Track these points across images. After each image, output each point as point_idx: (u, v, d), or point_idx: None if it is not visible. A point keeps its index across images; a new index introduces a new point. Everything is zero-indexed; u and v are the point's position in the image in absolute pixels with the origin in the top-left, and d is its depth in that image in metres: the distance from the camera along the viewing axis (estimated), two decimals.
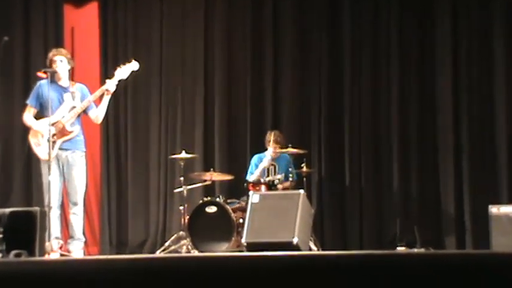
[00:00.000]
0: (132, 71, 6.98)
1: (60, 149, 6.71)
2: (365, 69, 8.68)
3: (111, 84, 6.74)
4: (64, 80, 6.84)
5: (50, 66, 6.76)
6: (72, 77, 7.18)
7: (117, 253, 8.67)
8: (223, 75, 8.98)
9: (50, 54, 6.86)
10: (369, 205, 8.50)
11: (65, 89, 6.81)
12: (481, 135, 8.31)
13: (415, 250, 7.65)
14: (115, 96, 8.79)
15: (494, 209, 7.02)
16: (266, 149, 8.18)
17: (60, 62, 6.79)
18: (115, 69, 7.00)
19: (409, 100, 8.56)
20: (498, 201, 7.53)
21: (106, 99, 6.80)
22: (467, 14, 8.42)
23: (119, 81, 6.87)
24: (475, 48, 8.39)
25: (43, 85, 6.72)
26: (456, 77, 8.39)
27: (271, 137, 8.12)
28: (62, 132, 6.70)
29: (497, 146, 8.20)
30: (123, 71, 6.88)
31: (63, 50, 7.02)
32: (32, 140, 6.78)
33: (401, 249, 7.70)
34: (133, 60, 7.00)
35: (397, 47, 8.59)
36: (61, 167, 6.73)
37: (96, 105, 6.89)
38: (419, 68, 8.56)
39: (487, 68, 8.33)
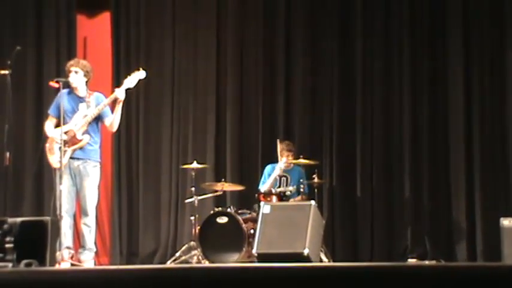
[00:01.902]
0: (140, 80, 6.99)
1: (72, 158, 6.74)
2: (377, 79, 8.68)
3: (120, 93, 6.76)
4: (81, 90, 6.89)
5: (66, 76, 6.83)
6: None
7: (128, 263, 8.66)
8: (235, 85, 8.98)
9: (68, 65, 6.94)
10: (380, 216, 8.47)
11: (81, 99, 6.87)
12: (493, 147, 8.27)
13: (426, 262, 7.62)
14: (127, 106, 8.87)
15: (505, 221, 6.99)
16: (278, 160, 8.17)
17: (75, 74, 6.84)
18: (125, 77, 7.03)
19: (421, 111, 8.54)
20: (509, 213, 7.49)
21: (118, 107, 6.83)
22: (479, 24, 8.40)
23: (127, 89, 6.89)
24: (487, 59, 8.37)
25: (63, 95, 6.78)
26: (468, 89, 8.37)
27: (283, 146, 8.12)
28: (73, 140, 6.73)
29: (509, 158, 8.16)
30: (131, 80, 6.91)
31: (82, 62, 7.06)
32: (47, 147, 6.85)
33: (412, 261, 7.68)
34: (140, 69, 7.02)
35: (409, 57, 8.58)
36: (73, 176, 6.75)
37: (112, 112, 6.91)
38: (431, 78, 8.54)
39: (499, 80, 8.31)
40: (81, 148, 6.76)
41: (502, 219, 7.02)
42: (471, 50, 8.41)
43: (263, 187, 8.06)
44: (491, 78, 8.34)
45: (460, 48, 8.41)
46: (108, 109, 6.87)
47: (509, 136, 8.19)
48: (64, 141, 6.61)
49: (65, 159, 6.64)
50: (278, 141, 8.23)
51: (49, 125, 6.90)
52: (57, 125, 6.79)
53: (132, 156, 9.11)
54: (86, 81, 6.92)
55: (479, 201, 8.18)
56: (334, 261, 7.68)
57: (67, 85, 6.83)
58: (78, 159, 6.76)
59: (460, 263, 7.86)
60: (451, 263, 7.64)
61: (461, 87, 8.38)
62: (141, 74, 6.97)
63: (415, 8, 8.62)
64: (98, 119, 6.85)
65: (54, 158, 6.75)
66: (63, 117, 6.63)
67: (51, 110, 6.94)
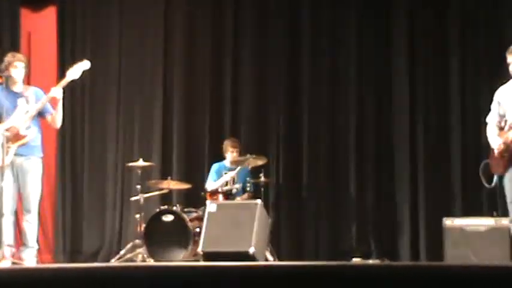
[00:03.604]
0: (84, 71, 6.85)
1: (15, 154, 6.60)
2: (323, 79, 8.73)
3: (56, 92, 6.60)
4: (18, 85, 6.73)
5: (6, 70, 6.66)
6: (27, 81, 7.07)
7: (71, 261, 8.56)
8: (182, 83, 8.95)
9: (7, 59, 6.75)
10: (325, 216, 8.54)
11: (18, 94, 6.71)
12: (436, 147, 8.39)
13: (371, 261, 7.70)
14: (71, 101, 8.75)
15: (448, 221, 7.10)
16: (224, 158, 8.17)
17: (17, 68, 6.69)
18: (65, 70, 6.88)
19: (366, 111, 8.62)
20: (452, 214, 7.62)
21: (59, 105, 6.69)
22: (424, 25, 8.50)
23: (72, 81, 6.74)
24: (432, 59, 8.48)
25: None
26: (412, 89, 8.46)
27: (228, 142, 8.13)
28: (17, 136, 6.59)
29: (453, 158, 8.29)
30: (74, 71, 6.76)
31: (20, 56, 6.91)
32: None
33: (356, 260, 7.74)
34: (84, 60, 6.86)
35: (355, 57, 8.65)
36: (15, 173, 6.62)
37: (54, 108, 6.78)
38: (376, 78, 8.62)
39: (443, 80, 8.42)
40: (24, 144, 6.62)
41: (444, 219, 7.12)
42: (416, 51, 8.51)
43: (211, 186, 8.04)
44: (435, 78, 8.46)
45: (405, 48, 8.50)
46: (49, 105, 6.74)
47: (453, 137, 8.32)
48: (7, 137, 6.47)
49: (10, 157, 6.50)
50: (226, 140, 8.24)
51: None
52: None
53: (76, 152, 9.01)
54: (24, 75, 6.77)
55: (423, 202, 8.29)
56: (279, 260, 7.69)
57: (8, 80, 6.66)
58: (21, 155, 6.62)
59: (403, 262, 7.96)
60: (394, 262, 7.73)
61: (406, 87, 8.48)
62: (85, 65, 6.82)
63: (361, 8, 8.69)
64: (39, 114, 6.72)
65: None
66: (1, 114, 6.45)
67: None
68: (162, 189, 8.14)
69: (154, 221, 7.56)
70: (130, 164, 8.16)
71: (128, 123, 9.01)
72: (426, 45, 8.50)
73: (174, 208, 7.66)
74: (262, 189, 8.00)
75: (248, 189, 7.94)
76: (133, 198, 8.16)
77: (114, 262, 7.73)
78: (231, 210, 7.18)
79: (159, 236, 7.47)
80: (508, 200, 5.77)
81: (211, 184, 8.07)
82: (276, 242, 8.21)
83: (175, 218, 7.52)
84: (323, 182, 8.61)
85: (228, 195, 7.81)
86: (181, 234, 7.42)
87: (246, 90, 8.89)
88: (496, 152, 5.81)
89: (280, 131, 8.75)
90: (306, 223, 8.56)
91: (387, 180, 8.48)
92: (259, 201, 7.15)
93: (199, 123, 8.90)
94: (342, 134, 8.66)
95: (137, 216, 7.87)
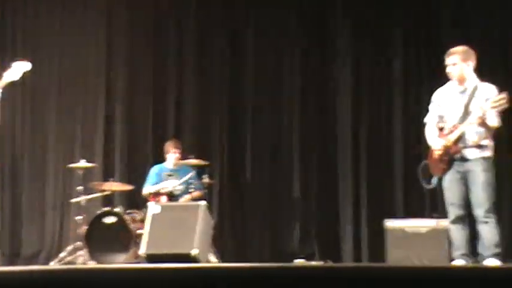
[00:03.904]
0: (24, 72, 6.68)
1: None
2: (267, 81, 8.76)
3: None
4: None
5: None
6: None
7: (10, 265, 8.39)
8: (125, 83, 8.88)
9: None
10: (269, 217, 8.56)
11: None
12: (378, 152, 8.49)
13: (314, 262, 7.73)
14: (12, 102, 8.58)
15: (389, 223, 7.17)
16: (165, 160, 8.11)
17: None
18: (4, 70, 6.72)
19: (310, 111, 8.66)
20: (394, 216, 7.71)
21: None
22: (367, 34, 8.60)
23: (11, 82, 6.58)
24: (375, 67, 8.58)
25: None
26: (356, 94, 8.55)
27: (170, 144, 8.07)
28: None
29: (394, 162, 8.40)
30: (13, 72, 6.59)
31: None
32: None
33: (300, 261, 7.77)
34: (24, 60, 6.68)
35: (299, 61, 8.70)
36: None
37: None
38: (320, 83, 8.68)
39: (385, 89, 8.53)
40: None
41: (386, 221, 7.20)
42: (360, 58, 8.60)
43: (150, 188, 7.96)
44: (379, 87, 8.56)
45: (349, 57, 8.59)
46: None
47: (394, 142, 8.43)
48: None
49: None
50: (168, 141, 8.19)
51: None
52: None
53: (16, 153, 8.85)
54: None
55: (365, 204, 8.38)
56: (223, 261, 7.68)
57: None
58: None
59: (345, 263, 8.03)
60: (337, 263, 7.79)
61: (350, 88, 8.56)
62: (25, 66, 6.67)
63: (303, 19, 8.73)
64: None
65: None
66: None
67: None
68: (104, 190, 8.05)
69: (95, 223, 7.47)
70: (72, 165, 8.04)
71: (70, 123, 8.89)
72: (370, 53, 8.59)
73: (116, 210, 7.58)
74: (206, 190, 7.97)
75: (192, 190, 7.89)
76: (74, 200, 8.04)
77: (53, 265, 7.61)
78: (174, 211, 7.14)
79: (101, 238, 7.39)
80: (448, 201, 5.86)
81: (147, 188, 7.98)
82: (220, 243, 8.19)
83: (117, 219, 7.44)
84: (266, 183, 8.63)
85: (171, 196, 7.76)
86: (123, 236, 7.34)
87: (189, 91, 8.86)
88: (436, 153, 5.90)
89: (223, 132, 8.74)
90: (249, 224, 8.57)
91: (330, 182, 8.54)
92: (202, 202, 7.12)
93: (142, 124, 8.83)
94: (286, 136, 8.70)
95: (78, 218, 7.76)
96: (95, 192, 8.07)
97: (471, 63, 5.86)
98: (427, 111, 6.08)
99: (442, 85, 6.02)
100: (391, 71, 8.53)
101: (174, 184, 7.88)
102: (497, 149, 5.83)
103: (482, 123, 5.67)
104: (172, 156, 8.02)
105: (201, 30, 8.87)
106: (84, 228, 7.53)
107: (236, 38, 8.82)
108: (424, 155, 6.16)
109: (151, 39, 8.89)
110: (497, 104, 5.54)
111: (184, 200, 7.81)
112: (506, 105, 5.54)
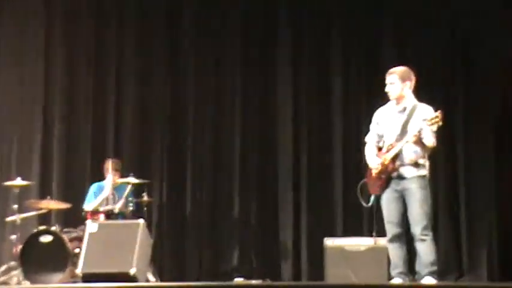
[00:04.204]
0: None
1: None
2: (209, 98, 8.75)
3: None
4: None
5: None
6: None
7: None
8: (63, 100, 8.75)
9: None
10: (208, 236, 8.52)
11: None
12: (319, 168, 8.53)
13: (253, 281, 7.71)
14: None
15: (328, 242, 7.21)
16: (105, 178, 8.00)
17: None
18: None
19: (251, 133, 8.68)
20: (333, 234, 7.75)
21: None
22: (308, 46, 8.68)
23: None
24: (315, 87, 8.65)
25: None
26: (296, 110, 8.61)
27: (109, 165, 7.96)
28: None
29: (334, 178, 8.46)
30: None
31: None
32: None
33: (238, 280, 7.74)
34: None
35: (240, 75, 8.73)
36: None
37: None
38: (262, 100, 8.71)
39: (325, 104, 8.61)
40: None
41: (325, 239, 7.23)
42: (300, 70, 8.66)
43: (89, 206, 7.84)
44: (318, 98, 8.62)
45: (289, 68, 8.65)
46: None
47: (335, 158, 8.48)
48: None
49: None
50: (107, 159, 8.08)
51: None
52: None
53: None
54: None
55: (305, 222, 8.41)
56: (161, 280, 7.60)
57: None
58: None
59: (284, 282, 8.03)
60: (276, 282, 7.79)
61: (290, 107, 8.62)
62: None
63: (247, 30, 8.78)
64: None
65: None
66: None
67: None
68: (40, 209, 7.89)
69: (31, 241, 7.29)
70: (7, 183, 7.85)
71: (5, 141, 8.71)
72: (310, 64, 8.67)
73: (53, 228, 7.43)
74: (145, 208, 7.89)
75: (131, 208, 7.79)
76: (9, 219, 7.85)
77: None
78: (113, 230, 7.04)
79: (36, 257, 7.22)
80: (385, 220, 5.92)
81: (89, 204, 7.86)
82: (158, 262, 8.11)
83: (53, 238, 7.29)
84: (206, 202, 8.61)
85: (110, 215, 7.65)
86: (60, 255, 7.19)
87: (129, 109, 8.78)
88: (373, 172, 5.96)
89: (163, 150, 8.69)
90: (188, 243, 8.51)
91: (270, 201, 8.55)
92: (141, 220, 7.04)
93: (81, 141, 8.71)
94: (226, 155, 8.69)
95: (13, 237, 7.58)
96: (31, 211, 7.90)
97: (408, 83, 5.96)
98: (368, 130, 6.15)
99: (382, 105, 6.10)
100: (331, 89, 8.60)
101: (108, 192, 7.78)
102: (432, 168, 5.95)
103: (418, 142, 5.77)
104: (110, 177, 7.90)
105: (141, 47, 8.81)
106: (18, 248, 7.36)
107: (176, 56, 8.79)
108: (363, 174, 6.22)
109: (92, 55, 8.79)
110: (433, 121, 5.65)
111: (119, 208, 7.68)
112: (440, 123, 5.66)
